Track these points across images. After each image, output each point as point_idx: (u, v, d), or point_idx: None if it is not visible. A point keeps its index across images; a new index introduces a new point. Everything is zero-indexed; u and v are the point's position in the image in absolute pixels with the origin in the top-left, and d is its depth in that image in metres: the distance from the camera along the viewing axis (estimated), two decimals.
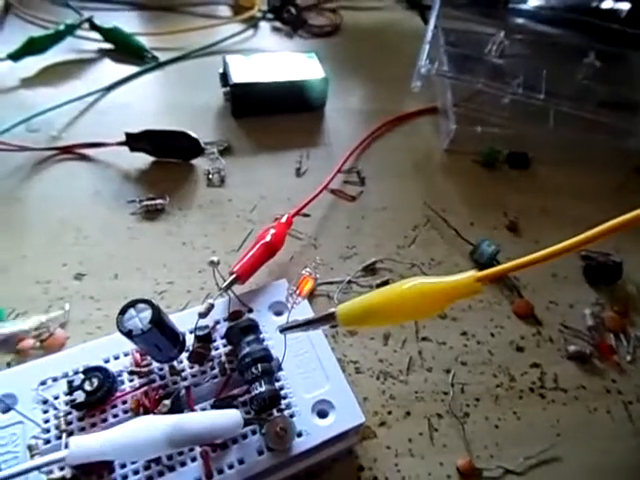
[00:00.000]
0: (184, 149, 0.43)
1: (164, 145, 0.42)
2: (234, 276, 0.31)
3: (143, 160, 0.43)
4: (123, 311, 0.24)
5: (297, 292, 0.27)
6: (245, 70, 0.47)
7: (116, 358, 0.28)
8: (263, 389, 0.26)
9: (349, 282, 0.36)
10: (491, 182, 0.46)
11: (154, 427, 0.22)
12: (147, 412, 0.25)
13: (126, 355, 0.28)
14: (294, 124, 0.49)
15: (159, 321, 0.24)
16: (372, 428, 0.29)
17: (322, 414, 0.28)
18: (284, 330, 0.27)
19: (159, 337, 0.25)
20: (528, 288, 0.38)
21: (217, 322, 0.30)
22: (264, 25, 0.63)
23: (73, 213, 0.38)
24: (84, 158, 0.42)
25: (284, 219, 0.37)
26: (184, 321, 0.29)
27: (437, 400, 0.31)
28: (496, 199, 0.44)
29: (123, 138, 0.41)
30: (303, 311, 0.31)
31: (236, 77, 0.47)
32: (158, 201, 0.39)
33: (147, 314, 0.24)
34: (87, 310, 0.33)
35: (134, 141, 0.41)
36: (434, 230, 0.41)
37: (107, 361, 0.28)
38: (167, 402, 0.25)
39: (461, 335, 0.34)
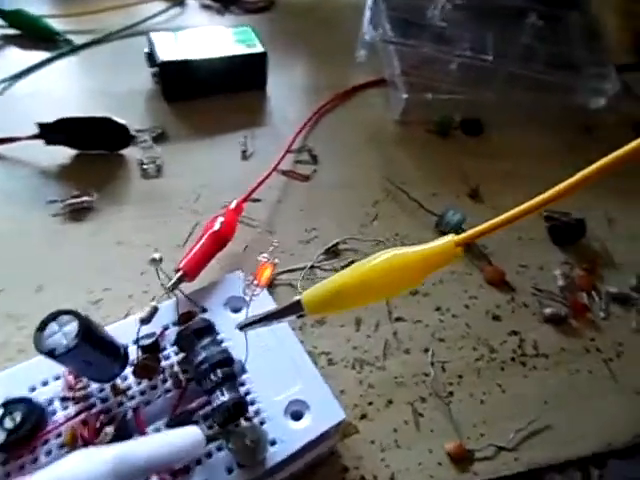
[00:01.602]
0: (110, 138, 0.38)
1: (86, 135, 0.37)
2: (181, 273, 0.27)
3: (62, 154, 0.37)
4: (42, 327, 0.20)
5: (255, 282, 0.23)
6: (174, 47, 0.43)
7: (44, 384, 0.24)
8: (226, 398, 0.22)
9: (312, 267, 0.33)
10: (447, 150, 0.44)
11: (94, 461, 0.18)
12: (87, 444, 0.21)
13: (57, 379, 0.24)
14: (234, 104, 0.45)
15: (88, 334, 0.20)
16: (353, 423, 0.27)
17: (297, 416, 0.24)
18: (244, 327, 0.23)
19: (91, 353, 0.21)
20: (496, 255, 0.36)
21: (165, 327, 0.26)
22: (192, 2, 0.57)
23: None
24: None
25: (233, 205, 0.33)
26: (126, 331, 0.25)
27: (418, 383, 0.29)
28: (455, 167, 0.43)
29: (36, 130, 0.36)
30: (263, 303, 0.27)
31: (164, 55, 0.42)
32: (84, 198, 0.34)
33: (72, 327, 0.20)
34: (5, 331, 0.28)
35: (49, 133, 0.36)
36: (395, 204, 0.39)
37: (33, 389, 0.23)
38: (109, 429, 0.21)
39: (435, 311, 0.32)
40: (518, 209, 0.19)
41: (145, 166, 0.38)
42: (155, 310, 0.24)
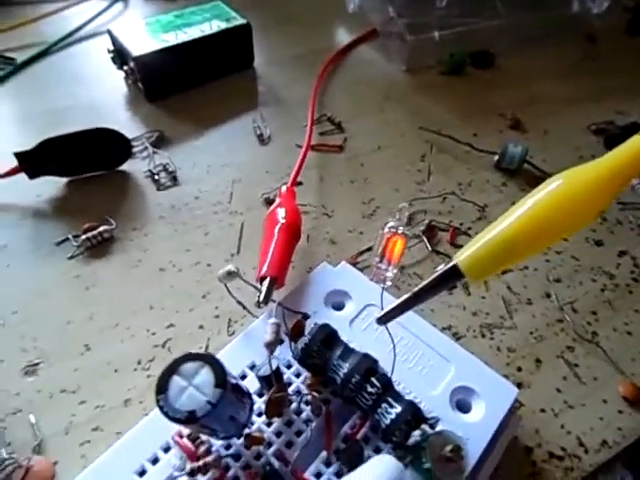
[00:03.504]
0: (105, 154, 0.31)
1: (76, 156, 0.30)
2: (269, 279, 0.22)
3: (52, 186, 0.31)
4: (163, 387, 0.14)
5: (386, 261, 0.19)
6: (144, 39, 0.36)
7: (154, 462, 0.18)
8: (399, 409, 0.18)
9: None
10: (468, 88, 0.41)
11: None
12: None
13: (167, 450, 0.18)
14: (226, 89, 0.39)
15: (225, 377, 0.15)
16: None
17: (464, 406, 0.20)
18: (384, 319, 0.19)
19: (233, 402, 0.15)
20: None
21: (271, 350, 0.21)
22: None
23: None
24: None
25: (284, 190, 0.28)
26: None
27: (557, 332, 0.25)
28: (483, 104, 0.39)
29: (12, 163, 0.29)
30: (370, 293, 0.23)
31: (136, 49, 0.35)
32: (102, 228, 0.28)
33: (205, 375, 0.15)
34: (65, 411, 0.21)
35: (31, 162, 0.29)
36: (443, 154, 0.35)
37: (142, 473, 0.18)
38: None
39: None
40: None
41: (157, 176, 0.32)
42: (278, 328, 0.18)
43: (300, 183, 0.32)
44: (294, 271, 0.27)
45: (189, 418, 0.14)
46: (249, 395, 0.18)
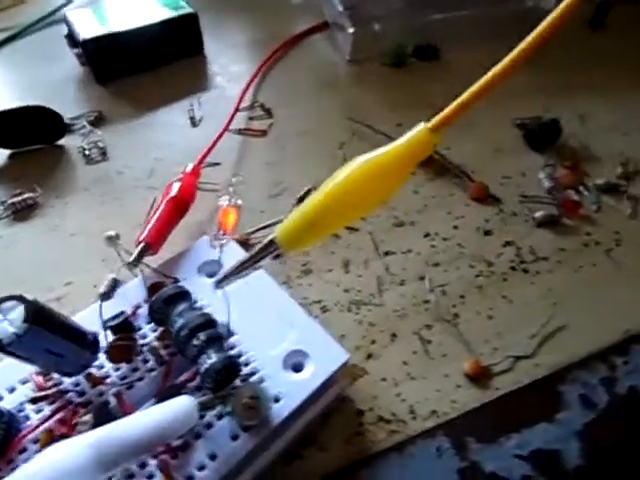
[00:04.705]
0: (43, 129, 0.34)
1: (15, 130, 0.34)
2: (142, 245, 0.25)
3: None
4: None
5: (221, 231, 0.21)
6: (94, 23, 0.39)
7: (11, 391, 0.21)
8: (213, 359, 0.20)
9: None
10: (406, 81, 0.42)
11: (72, 449, 0.16)
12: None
13: (25, 383, 0.21)
14: (173, 74, 0.42)
15: (39, 316, 0.17)
16: (360, 365, 0.25)
17: (298, 367, 0.22)
18: (220, 282, 0.21)
19: (50, 339, 0.18)
20: (476, 171, 0.34)
21: (137, 307, 0.24)
22: None
23: None
24: None
25: (189, 168, 0.30)
26: (94, 319, 0.22)
27: (421, 312, 0.27)
28: (416, 96, 0.41)
29: None
30: (237, 256, 0.25)
31: (85, 32, 0.38)
32: (26, 195, 0.31)
33: (18, 312, 0.17)
34: None
35: None
36: (363, 142, 0.36)
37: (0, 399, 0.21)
38: (87, 417, 0.18)
39: (424, 237, 0.30)
40: (484, 80, 0.18)
41: (87, 152, 0.35)
42: (115, 282, 0.21)
43: (217, 164, 0.34)
44: (192, 242, 0.29)
45: None
46: (94, 341, 0.21)
